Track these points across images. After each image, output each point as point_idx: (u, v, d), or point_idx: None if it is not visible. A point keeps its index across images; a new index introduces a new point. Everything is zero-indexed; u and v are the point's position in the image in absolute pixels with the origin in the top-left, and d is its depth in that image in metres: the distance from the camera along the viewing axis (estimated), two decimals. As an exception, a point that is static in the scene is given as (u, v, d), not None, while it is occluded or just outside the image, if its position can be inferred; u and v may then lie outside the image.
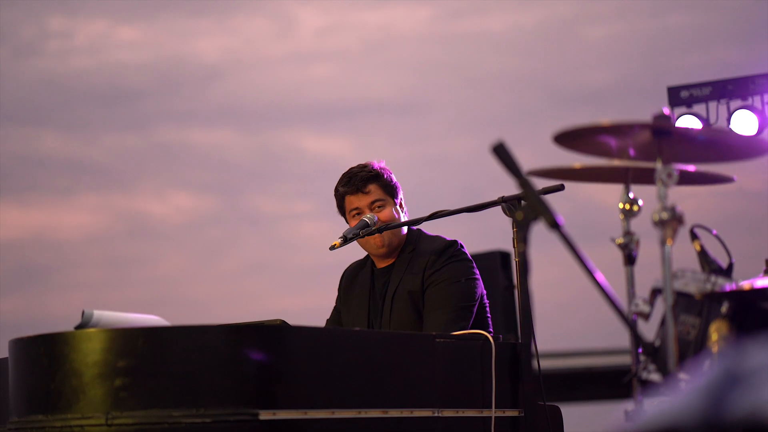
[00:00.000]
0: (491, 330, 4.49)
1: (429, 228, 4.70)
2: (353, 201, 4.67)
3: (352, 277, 4.83)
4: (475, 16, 12.41)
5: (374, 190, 4.65)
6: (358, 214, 4.64)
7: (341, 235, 4.53)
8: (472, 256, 4.64)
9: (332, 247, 4.53)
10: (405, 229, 4.70)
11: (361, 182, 4.64)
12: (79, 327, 3.68)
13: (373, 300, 4.69)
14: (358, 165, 4.72)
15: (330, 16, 12.60)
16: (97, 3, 12.01)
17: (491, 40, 12.16)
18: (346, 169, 4.73)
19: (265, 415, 3.40)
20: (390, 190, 4.68)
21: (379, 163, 4.73)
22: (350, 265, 4.90)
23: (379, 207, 4.63)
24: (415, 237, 4.70)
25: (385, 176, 4.68)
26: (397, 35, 12.50)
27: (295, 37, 12.56)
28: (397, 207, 4.67)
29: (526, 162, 3.12)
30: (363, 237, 4.54)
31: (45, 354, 3.61)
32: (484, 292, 4.59)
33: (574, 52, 12.20)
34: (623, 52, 11.97)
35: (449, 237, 4.65)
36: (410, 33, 12.46)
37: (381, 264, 4.73)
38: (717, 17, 11.48)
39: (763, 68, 7.68)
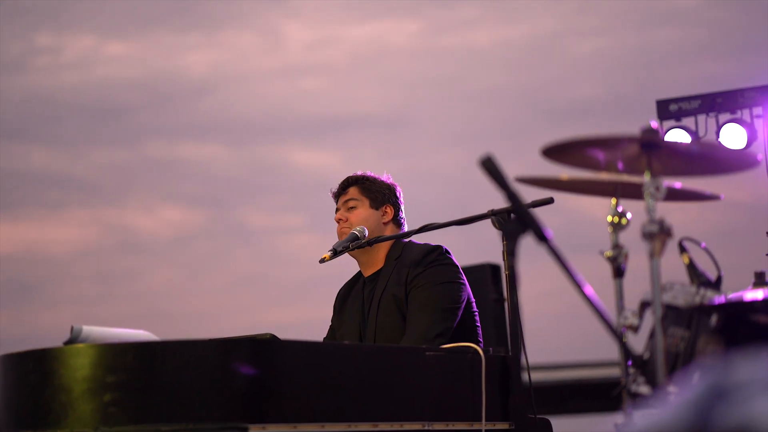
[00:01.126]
0: (481, 340, 4.49)
1: (420, 240, 4.71)
2: (337, 203, 4.85)
3: (345, 295, 4.86)
4: (462, 30, 12.44)
5: (352, 192, 4.81)
6: (339, 215, 4.79)
7: (331, 248, 4.55)
8: (462, 268, 4.64)
9: (322, 260, 4.55)
10: (387, 233, 4.75)
11: (343, 184, 4.85)
12: (69, 342, 3.68)
13: (363, 308, 4.70)
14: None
15: (318, 31, 12.62)
16: (85, 19, 12.02)
17: (479, 55, 12.20)
18: (334, 183, 4.93)
19: (255, 430, 3.39)
20: (372, 194, 4.78)
21: (383, 176, 4.88)
22: (344, 285, 4.92)
23: (351, 207, 4.77)
24: (402, 245, 4.73)
25: (369, 182, 4.81)
26: (385, 50, 12.53)
27: (283, 51, 12.59)
28: (377, 212, 4.74)
29: (514, 176, 3.13)
30: (353, 250, 4.56)
31: (34, 370, 3.61)
32: (473, 300, 4.58)
33: (561, 66, 12.24)
34: (610, 67, 12.01)
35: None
36: (398, 47, 12.49)
37: (368, 272, 4.76)
38: (703, 31, 11.52)
39: (752, 81, 7.70)
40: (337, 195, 4.86)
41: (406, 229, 4.78)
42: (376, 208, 4.75)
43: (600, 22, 12.08)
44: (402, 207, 4.85)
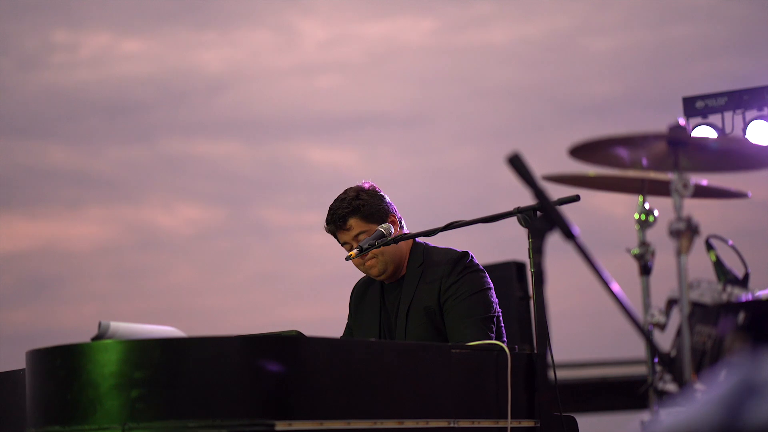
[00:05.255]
0: (505, 339, 4.49)
1: (443, 239, 4.68)
2: (340, 236, 4.66)
3: (361, 293, 4.82)
4: (478, 28, 12.42)
5: (355, 225, 4.60)
6: (350, 247, 4.62)
7: (357, 245, 4.53)
8: (487, 266, 4.64)
9: (348, 258, 4.53)
10: (404, 245, 4.66)
11: (340, 220, 4.61)
12: (96, 338, 3.69)
13: (384, 315, 4.67)
14: (339, 197, 4.66)
15: (333, 29, 12.62)
16: (101, 16, 12.06)
17: (495, 52, 12.16)
18: (352, 182, 4.71)
19: (281, 426, 3.40)
20: (373, 217, 4.60)
21: (365, 186, 4.67)
22: (359, 281, 4.88)
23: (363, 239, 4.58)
24: (422, 249, 4.67)
25: (365, 206, 4.60)
26: (401, 47, 12.51)
27: (299, 49, 12.59)
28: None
29: (540, 174, 3.13)
30: (379, 247, 4.53)
31: (62, 365, 3.62)
32: (497, 301, 4.59)
33: (578, 63, 12.20)
34: (628, 64, 11.96)
35: (460, 248, 4.63)
36: (414, 45, 12.47)
37: (390, 278, 4.72)
38: (721, 28, 11.47)
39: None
40: (336, 231, 4.65)
41: (405, 226, 4.72)
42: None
43: (617, 19, 12.05)
44: (394, 206, 4.71)
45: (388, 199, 4.69)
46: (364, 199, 4.62)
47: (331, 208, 4.64)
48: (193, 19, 12.10)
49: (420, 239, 4.68)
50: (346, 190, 4.68)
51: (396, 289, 4.67)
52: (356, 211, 4.59)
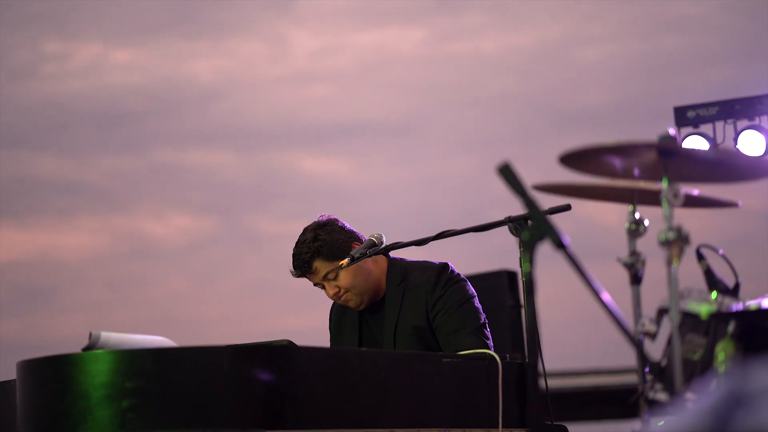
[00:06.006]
0: (491, 346, 4.48)
1: (435, 247, 4.65)
2: (309, 279, 4.59)
3: (340, 314, 4.76)
4: (469, 37, 12.44)
5: (320, 266, 4.52)
6: (322, 286, 4.57)
7: (349, 254, 4.50)
8: (478, 275, 4.65)
9: (340, 267, 4.51)
10: (376, 269, 4.59)
11: (305, 265, 4.52)
12: (87, 348, 3.68)
13: (366, 336, 4.63)
14: (299, 240, 4.56)
15: (324, 38, 12.64)
16: (92, 26, 12.06)
17: (487, 62, 12.18)
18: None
19: (272, 436, 3.40)
20: (335, 255, 4.50)
21: (322, 221, 4.59)
22: (335, 304, 4.80)
23: (332, 278, 4.52)
24: (400, 267, 4.62)
25: (324, 246, 4.51)
26: (392, 57, 12.53)
27: (290, 58, 12.60)
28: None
29: (531, 183, 3.13)
30: (370, 256, 4.50)
31: (53, 376, 3.62)
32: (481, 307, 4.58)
33: (570, 73, 12.22)
34: (619, 73, 11.98)
35: (452, 258, 4.61)
36: (405, 55, 12.49)
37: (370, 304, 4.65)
38: (712, 38, 11.50)
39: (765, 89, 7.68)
40: (303, 275, 4.57)
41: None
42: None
43: (608, 28, 12.08)
44: (356, 232, 4.61)
45: (348, 226, 4.61)
46: (323, 239, 4.53)
47: (293, 254, 4.57)
48: (185, 29, 12.11)
49: (394, 254, 4.63)
50: (303, 231, 4.59)
51: (378, 310, 4.63)
52: (317, 253, 4.51)
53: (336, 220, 4.61)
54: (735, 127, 7.61)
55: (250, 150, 12.59)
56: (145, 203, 12.88)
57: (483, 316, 4.50)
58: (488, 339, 4.44)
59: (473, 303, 4.51)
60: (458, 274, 4.56)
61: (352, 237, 4.58)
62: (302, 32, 12.57)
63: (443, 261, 4.57)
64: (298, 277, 4.59)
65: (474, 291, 4.56)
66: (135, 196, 12.74)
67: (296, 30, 12.55)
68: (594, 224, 11.77)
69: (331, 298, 4.59)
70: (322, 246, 4.51)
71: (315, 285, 4.62)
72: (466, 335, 4.40)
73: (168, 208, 12.87)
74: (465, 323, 4.43)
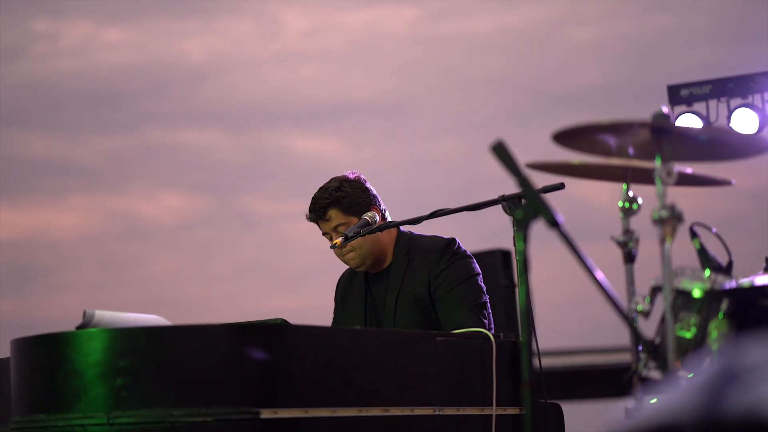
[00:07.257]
0: (492, 327, 4.50)
1: (428, 227, 4.67)
2: (320, 226, 4.64)
3: (347, 285, 4.80)
4: (459, 17, 12.40)
5: (334, 216, 4.57)
6: (330, 237, 4.62)
7: (342, 233, 4.51)
8: (472, 254, 4.64)
9: (333, 246, 4.53)
10: (386, 237, 4.64)
11: (320, 210, 4.58)
12: (81, 327, 3.68)
13: (370, 305, 4.66)
14: (322, 186, 4.63)
15: (315, 18, 12.60)
16: (82, 5, 11.99)
17: (477, 41, 12.16)
18: (336, 171, 4.67)
19: (266, 414, 3.41)
20: (353, 209, 4.57)
21: (350, 176, 4.64)
22: (344, 272, 4.86)
23: (342, 231, 4.54)
24: (408, 238, 4.66)
25: (345, 198, 4.57)
26: (383, 36, 12.49)
27: (281, 38, 12.57)
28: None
29: (525, 162, 3.13)
30: (364, 236, 4.52)
31: (47, 354, 3.62)
32: (485, 287, 4.60)
33: (561, 53, 12.19)
34: (611, 53, 11.97)
35: (446, 236, 4.63)
36: (395, 34, 12.46)
37: (373, 270, 4.71)
38: (704, 17, 11.49)
39: (763, 67, 7.68)
40: (316, 220, 4.63)
41: (389, 217, 4.70)
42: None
43: (600, 8, 12.04)
44: (378, 197, 4.68)
45: (373, 190, 4.67)
46: (346, 190, 4.59)
47: (313, 198, 4.63)
48: (175, 8, 12.06)
49: (405, 228, 4.68)
50: (330, 180, 4.66)
51: (382, 279, 4.66)
52: (336, 202, 4.57)
53: (364, 180, 4.68)
54: (728, 106, 7.63)
55: (241, 130, 12.58)
56: (137, 183, 12.87)
57: (485, 296, 4.51)
58: (486, 318, 4.45)
59: (476, 280, 4.52)
60: (465, 250, 4.58)
61: (373, 200, 4.63)
62: (293, 12, 12.54)
63: (452, 236, 4.60)
64: (312, 221, 4.65)
65: (479, 269, 4.57)
66: (127, 176, 12.73)
67: (287, 9, 12.52)
68: (587, 203, 11.78)
69: (335, 249, 4.59)
70: (342, 197, 4.58)
71: (323, 234, 4.66)
72: (464, 312, 4.41)
73: (160, 188, 12.86)
74: (464, 299, 4.45)
